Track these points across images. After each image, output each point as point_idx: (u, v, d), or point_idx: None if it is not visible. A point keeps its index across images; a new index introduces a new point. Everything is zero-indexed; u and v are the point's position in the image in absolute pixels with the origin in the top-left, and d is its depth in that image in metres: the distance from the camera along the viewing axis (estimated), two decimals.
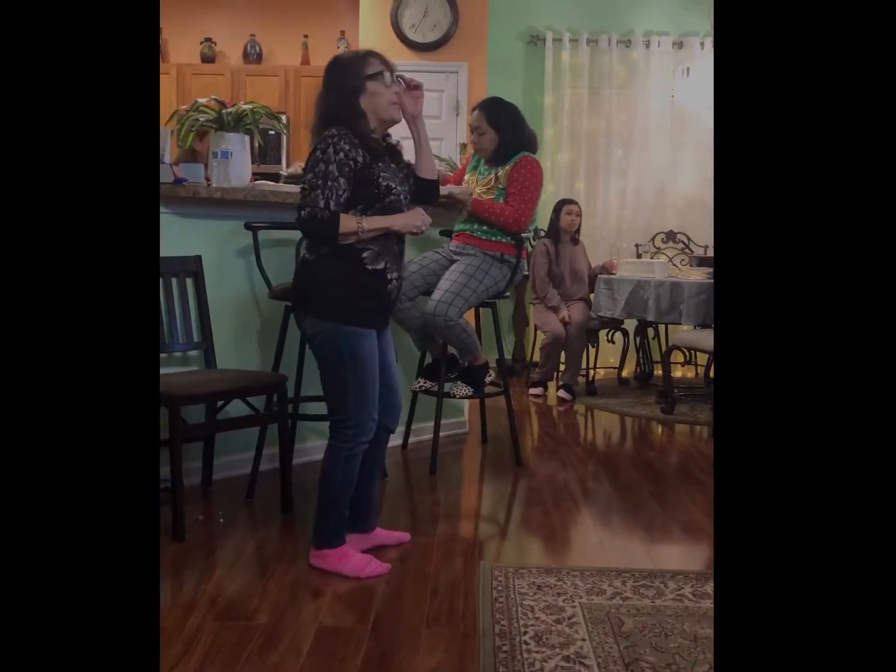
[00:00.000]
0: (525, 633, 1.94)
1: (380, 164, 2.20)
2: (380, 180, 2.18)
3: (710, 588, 2.21)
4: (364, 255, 2.19)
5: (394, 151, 2.34)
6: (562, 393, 5.04)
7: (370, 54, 2.22)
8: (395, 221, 2.22)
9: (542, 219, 5.27)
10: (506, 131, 3.26)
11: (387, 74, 2.19)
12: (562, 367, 5.21)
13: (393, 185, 2.22)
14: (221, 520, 2.70)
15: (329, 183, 2.10)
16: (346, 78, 2.18)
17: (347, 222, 2.13)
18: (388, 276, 2.23)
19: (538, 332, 5.38)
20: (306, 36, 6.35)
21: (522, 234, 3.29)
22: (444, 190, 3.27)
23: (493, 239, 3.26)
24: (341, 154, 2.10)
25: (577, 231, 5.28)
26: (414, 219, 2.26)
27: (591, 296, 5.18)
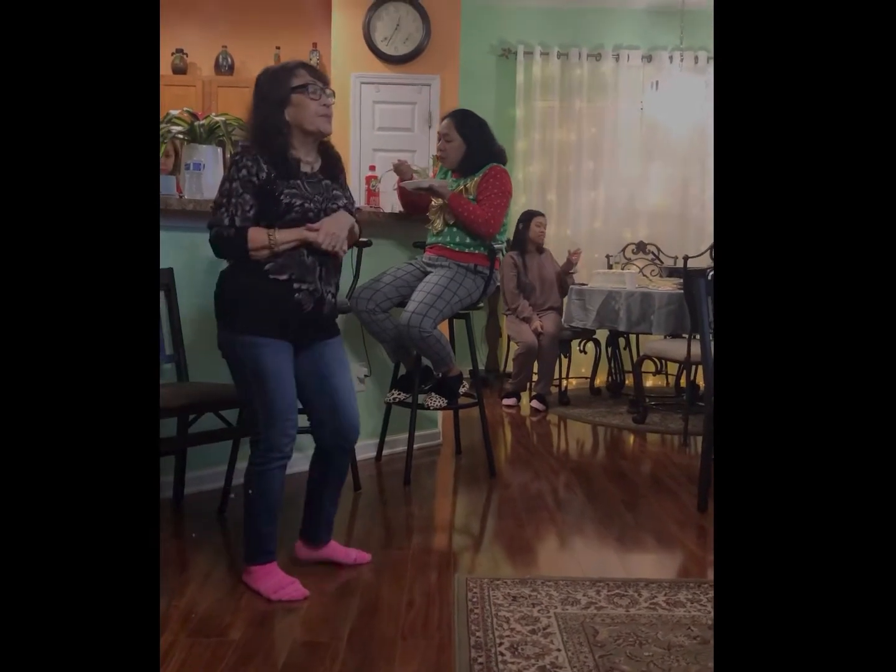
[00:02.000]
0: (500, 644, 1.94)
1: (288, 181, 2.15)
2: (281, 197, 2.13)
3: (683, 596, 2.23)
4: (267, 265, 2.15)
5: (332, 165, 2.29)
6: (535, 403, 5.07)
7: (299, 66, 2.19)
8: (304, 236, 2.15)
9: (510, 230, 5.31)
10: (473, 141, 3.30)
11: (312, 87, 2.15)
12: (534, 378, 5.24)
13: (296, 203, 2.15)
14: (194, 535, 2.68)
15: (233, 200, 2.10)
16: (273, 90, 2.15)
17: (257, 236, 2.11)
18: (294, 287, 2.16)
19: (511, 342, 5.40)
20: (278, 48, 6.34)
21: (496, 246, 3.31)
22: (424, 183, 3.29)
23: (467, 251, 3.28)
24: (244, 171, 2.10)
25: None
26: (322, 238, 2.15)
27: (564, 302, 5.23)
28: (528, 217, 5.28)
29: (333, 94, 2.22)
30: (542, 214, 5.35)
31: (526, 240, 5.25)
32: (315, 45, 6.30)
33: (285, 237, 2.13)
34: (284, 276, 2.16)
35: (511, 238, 5.34)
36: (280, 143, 2.15)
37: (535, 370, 5.20)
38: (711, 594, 2.25)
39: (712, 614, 2.11)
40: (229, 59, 6.36)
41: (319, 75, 2.20)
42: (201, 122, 3.09)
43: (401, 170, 3.42)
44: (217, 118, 3.12)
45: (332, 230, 2.17)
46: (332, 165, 2.30)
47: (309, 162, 2.23)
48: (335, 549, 2.46)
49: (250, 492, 2.21)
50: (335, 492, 2.44)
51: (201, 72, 6.38)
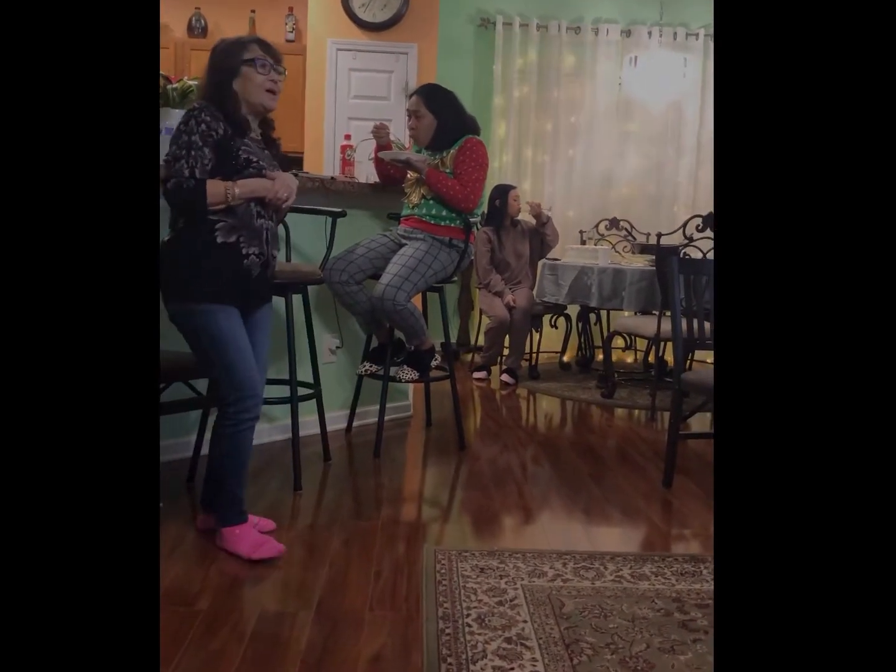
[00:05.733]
0: (468, 615, 1.96)
1: (242, 139, 2.23)
2: (239, 153, 2.21)
3: (647, 569, 2.27)
4: (217, 226, 2.19)
5: (270, 142, 2.38)
6: (505, 377, 5.09)
7: (253, 41, 2.28)
8: (263, 185, 2.23)
9: (485, 203, 5.28)
10: (444, 116, 3.27)
11: (260, 61, 2.23)
12: (505, 352, 5.26)
13: (254, 159, 2.23)
14: (161, 504, 2.66)
15: (193, 152, 2.13)
16: (224, 60, 2.24)
17: (215, 188, 2.15)
18: (244, 252, 2.22)
19: (483, 316, 5.40)
20: (253, 11, 6.21)
21: (471, 219, 3.30)
22: (402, 156, 3.26)
23: (442, 224, 3.26)
24: (203, 126, 2.15)
25: None
26: (279, 187, 2.25)
27: (537, 276, 5.24)
28: (503, 192, 5.25)
29: (284, 72, 2.31)
30: (516, 187, 5.34)
31: (504, 215, 5.22)
32: (291, 9, 6.18)
33: (243, 190, 2.19)
34: (233, 239, 2.21)
35: (486, 212, 5.32)
36: (232, 104, 2.23)
37: (507, 344, 5.22)
38: (675, 567, 2.29)
39: (676, 587, 2.16)
40: (203, 22, 6.22)
41: (272, 52, 2.28)
42: (174, 85, 3.02)
43: (379, 134, 3.38)
44: (190, 82, 3.05)
45: (287, 182, 2.28)
46: (270, 142, 2.38)
47: (253, 129, 2.33)
48: None
49: (223, 456, 2.27)
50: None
51: (174, 34, 6.23)
